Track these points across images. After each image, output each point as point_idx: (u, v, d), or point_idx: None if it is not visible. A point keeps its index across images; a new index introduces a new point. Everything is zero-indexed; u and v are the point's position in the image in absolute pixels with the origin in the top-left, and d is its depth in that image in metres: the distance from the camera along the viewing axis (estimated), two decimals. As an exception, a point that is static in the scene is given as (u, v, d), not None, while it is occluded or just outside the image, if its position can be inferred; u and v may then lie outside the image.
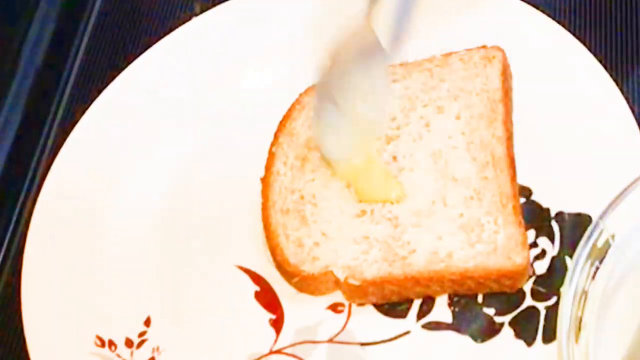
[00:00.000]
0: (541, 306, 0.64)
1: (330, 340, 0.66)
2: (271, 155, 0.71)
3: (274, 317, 0.67)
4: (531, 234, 0.66)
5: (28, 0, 0.83)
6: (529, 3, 0.74)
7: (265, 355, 0.66)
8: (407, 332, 0.65)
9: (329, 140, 0.68)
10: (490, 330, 0.64)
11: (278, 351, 0.66)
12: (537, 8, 0.73)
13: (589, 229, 0.59)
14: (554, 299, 0.64)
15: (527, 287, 0.65)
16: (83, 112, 0.76)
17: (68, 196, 0.73)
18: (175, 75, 0.77)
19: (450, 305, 0.65)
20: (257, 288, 0.68)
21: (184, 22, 0.79)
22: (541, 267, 0.65)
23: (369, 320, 0.66)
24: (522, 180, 0.68)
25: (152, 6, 0.84)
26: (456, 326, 0.65)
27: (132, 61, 0.77)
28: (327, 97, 0.67)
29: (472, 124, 0.69)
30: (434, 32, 0.73)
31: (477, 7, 0.74)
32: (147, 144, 0.75)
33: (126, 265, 0.70)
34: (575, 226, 0.65)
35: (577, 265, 0.58)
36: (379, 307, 0.66)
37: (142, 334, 0.68)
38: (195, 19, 0.79)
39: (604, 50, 0.73)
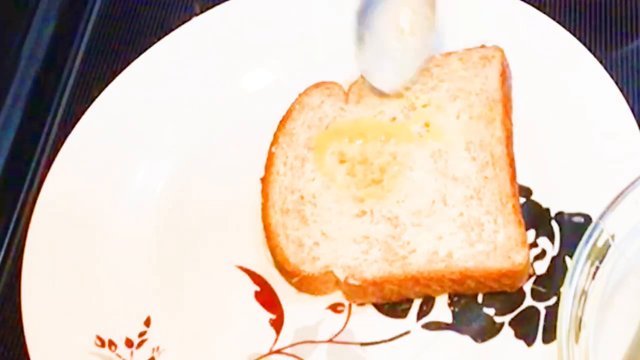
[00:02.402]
0: (541, 306, 0.64)
1: (330, 340, 0.66)
2: (271, 155, 0.71)
3: (274, 317, 0.67)
4: (531, 234, 0.66)
5: (28, 0, 0.83)
6: (529, 3, 0.74)
7: (265, 355, 0.66)
8: (407, 332, 0.65)
9: (377, 71, 0.68)
10: (490, 330, 0.64)
11: (278, 351, 0.66)
12: (537, 8, 0.73)
13: (589, 229, 0.59)
14: (554, 299, 0.64)
15: (527, 287, 0.65)
16: (83, 112, 0.76)
17: (68, 196, 0.73)
18: (175, 75, 0.77)
19: (450, 305, 0.65)
20: (257, 288, 0.68)
21: (184, 22, 0.79)
22: (541, 267, 0.65)
23: (369, 320, 0.66)
24: (522, 180, 0.68)
25: (152, 6, 0.84)
26: (456, 326, 0.65)
27: (132, 61, 0.77)
28: (367, 25, 0.67)
29: (471, 124, 0.69)
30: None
31: (477, 7, 0.74)
32: (146, 144, 0.75)
33: (126, 266, 0.70)
34: (575, 226, 0.65)
35: (577, 265, 0.58)
36: (379, 307, 0.66)
37: (142, 334, 0.68)
38: (195, 19, 0.79)
39: (604, 50, 0.73)
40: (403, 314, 0.66)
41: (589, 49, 0.71)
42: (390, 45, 0.68)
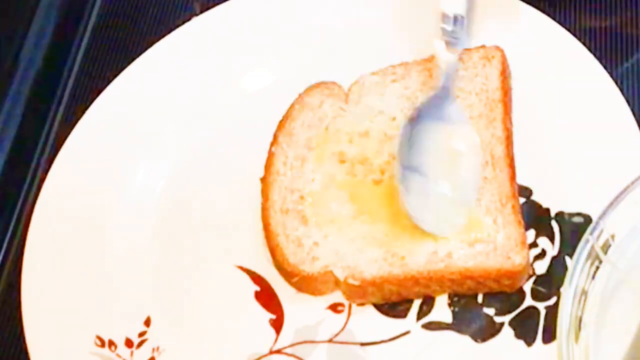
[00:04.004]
0: (541, 306, 0.64)
1: (330, 340, 0.66)
2: (271, 155, 0.71)
3: (274, 317, 0.67)
4: (531, 234, 0.66)
5: (28, 0, 0.83)
6: (529, 3, 0.74)
7: (265, 355, 0.66)
8: (407, 332, 0.65)
9: (426, 215, 0.65)
10: (490, 330, 0.64)
11: (278, 351, 0.66)
12: (537, 8, 0.73)
13: (589, 229, 0.59)
14: (554, 299, 0.64)
15: (527, 287, 0.65)
16: (83, 112, 0.76)
17: (68, 196, 0.73)
18: (175, 75, 0.77)
19: (450, 305, 0.65)
20: (257, 288, 0.68)
21: (184, 22, 0.79)
22: (541, 267, 0.65)
23: (369, 320, 0.66)
24: (522, 180, 0.68)
25: (152, 6, 0.84)
26: (456, 326, 0.65)
27: (132, 61, 0.77)
28: (411, 168, 0.66)
29: (471, 124, 0.69)
30: (434, 32, 0.73)
31: (477, 7, 0.74)
32: (146, 144, 0.75)
33: (126, 266, 0.70)
34: (575, 226, 0.65)
35: (577, 265, 0.58)
36: (379, 307, 0.66)
37: (142, 334, 0.68)
38: (195, 19, 0.79)
39: (604, 50, 0.73)
40: (403, 314, 0.66)
41: (589, 49, 0.71)
42: (438, 188, 0.66)
